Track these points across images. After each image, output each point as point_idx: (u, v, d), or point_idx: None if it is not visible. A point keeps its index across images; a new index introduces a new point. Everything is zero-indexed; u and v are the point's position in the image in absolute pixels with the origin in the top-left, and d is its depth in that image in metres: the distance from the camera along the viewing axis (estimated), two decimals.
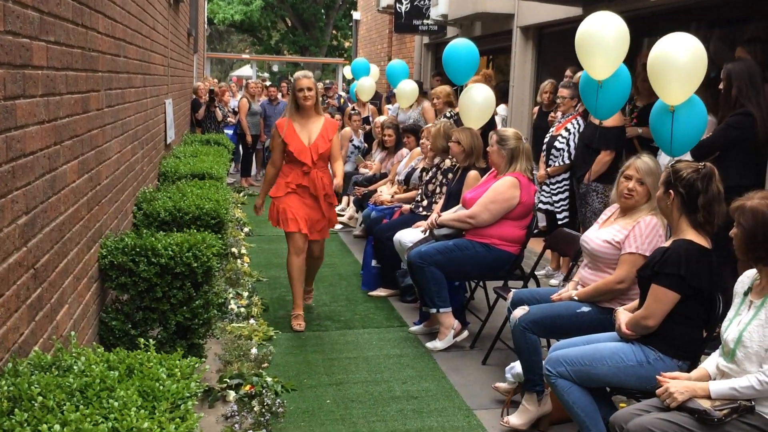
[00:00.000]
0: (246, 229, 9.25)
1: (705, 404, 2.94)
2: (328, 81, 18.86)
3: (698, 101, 4.85)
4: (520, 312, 4.19)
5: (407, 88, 10.32)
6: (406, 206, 7.22)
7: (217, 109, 13.16)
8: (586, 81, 5.85)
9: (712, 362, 3.21)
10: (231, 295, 6.04)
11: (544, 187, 7.30)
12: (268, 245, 8.73)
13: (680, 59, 4.74)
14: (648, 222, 3.96)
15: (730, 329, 3.08)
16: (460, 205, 5.72)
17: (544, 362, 3.71)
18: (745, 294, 3.13)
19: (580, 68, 6.11)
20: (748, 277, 3.18)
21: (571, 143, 7.00)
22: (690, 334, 3.51)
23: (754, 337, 2.95)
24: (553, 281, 7.14)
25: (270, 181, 5.97)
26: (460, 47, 7.93)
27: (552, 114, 7.85)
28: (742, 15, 6.95)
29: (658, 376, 3.19)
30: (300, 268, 5.93)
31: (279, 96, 14.80)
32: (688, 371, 3.32)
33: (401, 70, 11.47)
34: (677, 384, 3.07)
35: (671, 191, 3.48)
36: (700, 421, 2.92)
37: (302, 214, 5.80)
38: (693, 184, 3.43)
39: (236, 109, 14.24)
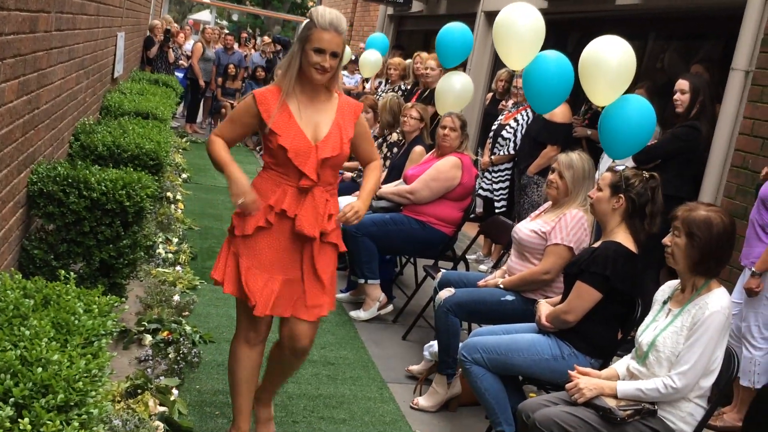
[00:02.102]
0: (184, 175, 9.12)
1: (611, 403, 3.03)
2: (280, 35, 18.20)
3: (639, 105, 4.89)
4: (445, 293, 4.23)
5: (371, 58, 10.29)
6: (348, 174, 7.20)
7: (171, 50, 12.88)
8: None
9: (622, 364, 3.30)
10: (160, 240, 5.96)
11: (486, 174, 7.36)
12: (205, 194, 8.63)
13: (610, 61, 4.82)
14: (574, 215, 4.05)
15: (645, 333, 3.16)
16: (401, 180, 5.73)
17: (460, 347, 3.77)
18: (664, 302, 3.22)
19: None
20: (669, 287, 3.27)
21: (518, 134, 7.05)
22: (606, 334, 3.60)
23: (668, 343, 3.04)
24: (482, 267, 7.23)
25: (221, 157, 3.21)
26: (456, 30, 7.60)
27: (503, 102, 7.90)
28: (701, 31, 7.09)
29: (569, 371, 3.27)
30: (251, 370, 3.38)
31: (235, 46, 14.55)
32: (600, 370, 3.40)
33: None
34: (587, 381, 3.15)
35: (621, 196, 3.55)
36: (604, 419, 3.01)
37: (276, 272, 3.21)
38: (644, 192, 3.53)
39: (189, 53, 13.96)
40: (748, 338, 4.37)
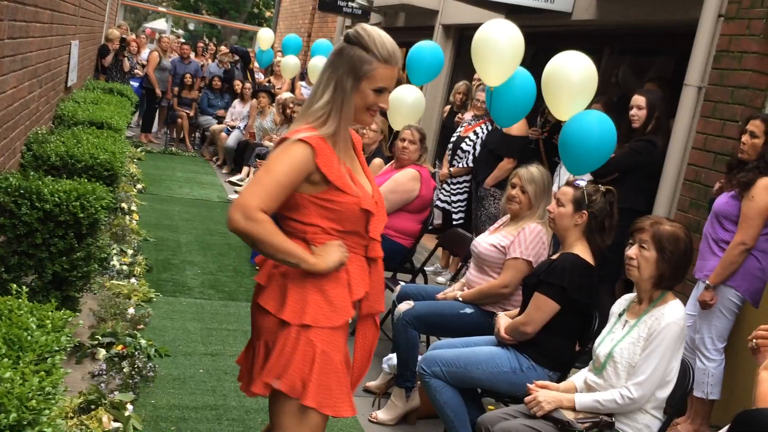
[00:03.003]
0: (139, 186, 9.00)
1: (569, 416, 3.05)
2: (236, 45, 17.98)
3: (599, 121, 4.96)
4: (404, 306, 4.23)
5: (319, 64, 10.46)
6: None
7: (126, 58, 12.72)
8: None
9: (580, 377, 3.33)
10: (114, 251, 5.86)
11: (445, 186, 7.39)
12: (160, 205, 8.52)
13: (572, 76, 4.90)
14: (533, 229, 4.09)
15: (602, 345, 3.20)
16: None
17: (419, 361, 3.77)
18: (620, 315, 3.26)
19: None
20: (626, 299, 3.31)
21: (478, 147, 7.10)
22: (564, 346, 3.63)
23: (624, 354, 3.07)
24: (440, 279, 7.24)
25: (287, 246, 2.34)
26: (427, 49, 7.33)
27: (459, 115, 7.94)
28: (655, 47, 7.22)
29: (528, 384, 3.28)
30: None
31: (192, 55, 14.42)
32: (558, 382, 3.42)
33: (295, 44, 11.96)
34: (545, 394, 3.16)
35: (585, 212, 3.59)
36: None
37: (357, 369, 2.68)
38: (604, 207, 3.59)
39: (144, 62, 13.81)
40: (702, 350, 4.44)
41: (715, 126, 5.17)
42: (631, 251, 3.15)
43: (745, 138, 4.37)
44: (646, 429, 3.06)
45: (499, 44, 5.41)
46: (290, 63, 11.81)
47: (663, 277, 3.09)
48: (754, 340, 2.44)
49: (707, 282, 4.36)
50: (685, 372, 3.13)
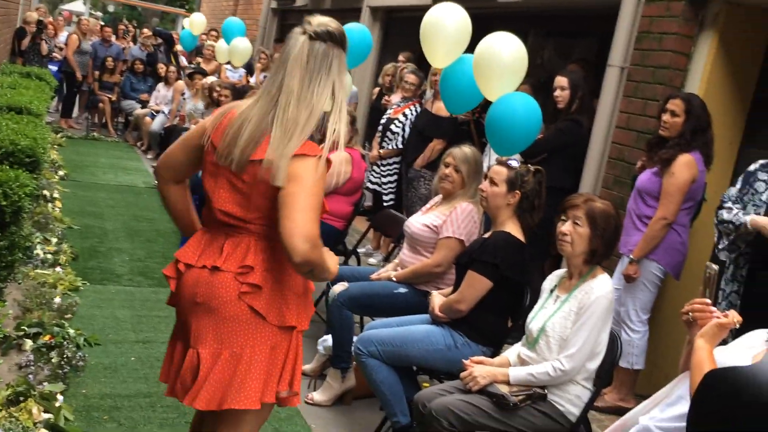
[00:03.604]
0: (61, 173, 8.76)
1: (504, 389, 3.11)
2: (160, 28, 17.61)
3: (525, 103, 5.03)
4: (339, 288, 4.24)
5: (241, 45, 10.32)
6: None
7: (44, 41, 12.31)
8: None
9: (513, 352, 3.40)
10: (38, 240, 5.71)
11: (375, 168, 7.41)
12: (84, 192, 8.32)
13: (502, 57, 4.98)
14: (464, 208, 4.14)
15: (535, 320, 3.27)
16: None
17: (355, 341, 3.79)
18: (551, 290, 3.33)
19: (415, 54, 6.23)
20: (556, 275, 3.39)
21: (407, 129, 7.14)
22: (497, 322, 3.70)
23: (557, 328, 3.15)
24: (371, 260, 7.27)
25: (326, 255, 2.45)
26: (355, 31, 7.39)
27: (386, 98, 7.97)
28: (578, 28, 7.35)
29: (464, 360, 3.33)
30: None
31: (113, 38, 14.04)
32: (492, 357, 3.49)
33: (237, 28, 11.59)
34: (480, 369, 3.22)
35: (517, 191, 3.66)
36: (498, 405, 3.09)
37: None
38: (534, 187, 3.67)
39: (63, 45, 13.38)
40: (627, 322, 4.58)
41: (637, 105, 5.30)
42: (565, 227, 3.21)
43: (666, 117, 4.49)
44: (576, 399, 3.15)
45: (446, 26, 5.47)
46: (224, 47, 11.57)
47: (595, 252, 3.18)
48: (689, 314, 2.50)
49: (631, 256, 4.49)
50: (613, 343, 3.23)
